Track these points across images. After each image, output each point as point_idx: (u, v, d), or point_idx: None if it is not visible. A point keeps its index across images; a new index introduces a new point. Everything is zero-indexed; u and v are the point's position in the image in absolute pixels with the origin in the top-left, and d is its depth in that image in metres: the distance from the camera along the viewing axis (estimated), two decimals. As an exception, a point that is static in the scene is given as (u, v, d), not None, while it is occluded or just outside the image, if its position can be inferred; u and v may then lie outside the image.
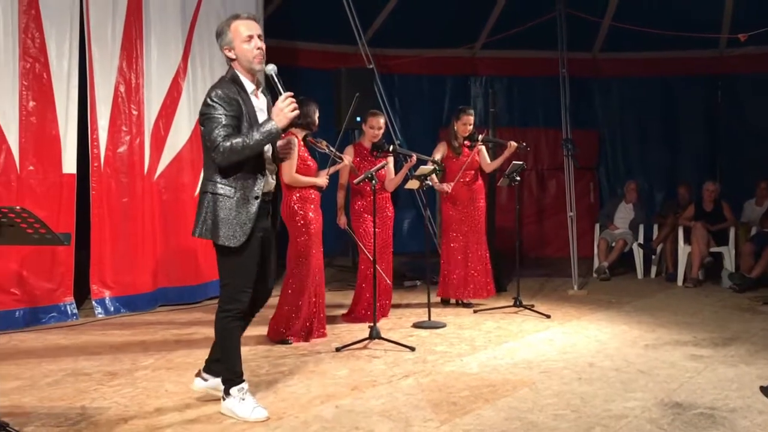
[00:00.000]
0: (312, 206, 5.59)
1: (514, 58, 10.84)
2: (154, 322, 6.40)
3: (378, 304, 5.74)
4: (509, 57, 10.83)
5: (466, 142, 6.89)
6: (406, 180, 6.39)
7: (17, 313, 6.12)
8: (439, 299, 7.09)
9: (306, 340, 5.63)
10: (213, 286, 6.97)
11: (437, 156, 6.82)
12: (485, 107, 9.94)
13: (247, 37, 3.79)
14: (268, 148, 3.84)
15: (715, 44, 10.30)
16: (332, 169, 5.74)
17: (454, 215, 6.93)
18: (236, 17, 3.86)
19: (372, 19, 9.84)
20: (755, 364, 4.92)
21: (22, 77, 6.17)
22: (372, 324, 5.56)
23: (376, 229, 5.84)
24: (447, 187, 6.83)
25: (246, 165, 3.77)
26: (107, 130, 6.68)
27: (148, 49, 6.95)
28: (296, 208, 5.54)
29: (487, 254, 7.01)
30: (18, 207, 3.22)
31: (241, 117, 3.76)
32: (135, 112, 6.85)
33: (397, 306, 6.99)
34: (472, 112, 6.95)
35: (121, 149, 6.78)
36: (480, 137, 6.93)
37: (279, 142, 3.94)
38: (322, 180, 5.60)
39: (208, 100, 3.72)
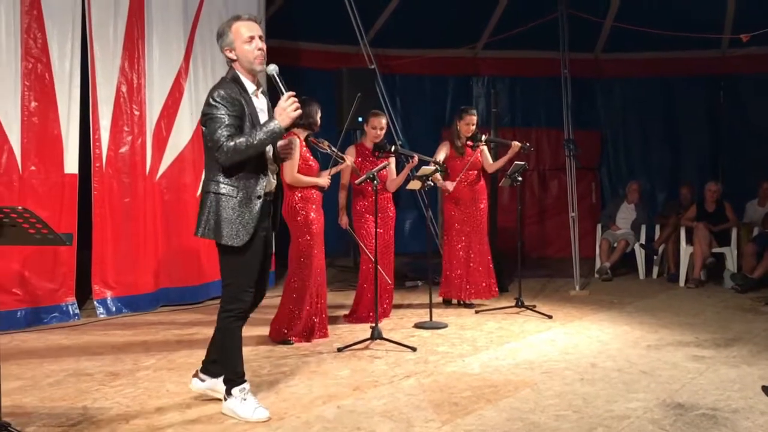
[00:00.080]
0: (314, 206, 5.59)
1: (516, 59, 10.84)
2: (156, 323, 6.40)
3: (379, 305, 5.74)
4: (511, 57, 10.83)
5: (468, 143, 6.89)
6: (407, 180, 6.39)
7: (19, 313, 6.12)
8: (440, 299, 7.09)
9: (308, 340, 5.63)
10: (215, 286, 6.96)
11: (440, 155, 6.82)
12: (487, 107, 9.97)
13: (248, 38, 3.80)
14: (268, 148, 3.85)
15: (718, 45, 10.29)
16: (334, 170, 5.74)
17: (457, 215, 6.92)
18: (237, 18, 3.87)
19: (374, 19, 9.84)
20: (757, 365, 4.92)
21: (24, 77, 6.18)
22: (374, 324, 5.56)
23: (378, 230, 5.84)
24: (450, 185, 6.82)
25: (248, 165, 3.77)
26: (109, 130, 6.69)
27: (150, 49, 6.96)
28: (298, 207, 5.54)
29: (490, 255, 7.01)
30: (20, 207, 3.22)
31: (244, 117, 3.77)
32: (137, 113, 6.85)
33: (399, 306, 6.99)
34: (475, 112, 6.94)
35: (123, 149, 6.78)
36: (484, 137, 6.93)
37: (280, 142, 3.95)
38: (324, 180, 5.60)
39: (211, 100, 3.72)
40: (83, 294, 6.69)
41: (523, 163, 6.91)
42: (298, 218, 5.54)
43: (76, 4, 6.47)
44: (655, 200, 10.76)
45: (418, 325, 6.21)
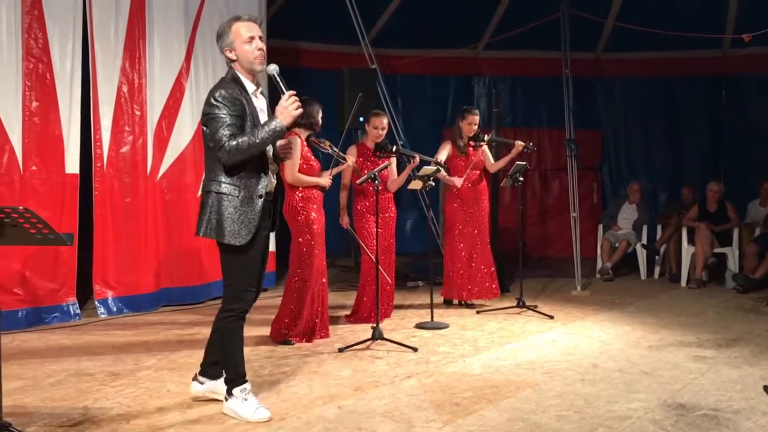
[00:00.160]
0: (315, 206, 5.59)
1: (518, 59, 10.83)
2: (157, 323, 6.40)
3: (380, 305, 5.73)
4: (512, 57, 10.82)
5: (470, 143, 6.88)
6: (409, 180, 6.39)
7: (20, 314, 6.12)
8: (441, 300, 7.09)
9: (309, 340, 5.63)
10: (216, 286, 6.96)
11: (442, 155, 6.81)
12: (488, 107, 9.98)
13: (248, 39, 3.80)
14: (269, 147, 3.85)
15: (719, 44, 10.27)
16: (335, 170, 5.74)
17: (459, 215, 6.92)
18: (237, 19, 3.88)
19: (375, 20, 9.83)
20: (759, 365, 4.91)
21: (25, 77, 6.18)
22: (375, 325, 5.56)
23: (379, 230, 5.84)
24: (458, 180, 6.81)
25: (249, 164, 3.78)
26: (110, 130, 6.69)
27: (151, 49, 6.96)
28: (299, 207, 5.54)
29: (491, 255, 7.01)
30: (21, 207, 3.22)
31: (245, 117, 3.77)
32: (138, 113, 6.85)
33: (400, 307, 6.98)
34: (477, 112, 6.94)
35: (124, 149, 6.78)
36: (486, 137, 6.92)
37: (279, 142, 3.95)
38: (325, 180, 5.60)
39: (212, 100, 3.72)
40: (84, 294, 6.69)
41: (524, 163, 6.90)
42: (300, 218, 5.54)
43: (77, 4, 6.47)
44: (656, 200, 10.76)
45: (420, 326, 6.20)
